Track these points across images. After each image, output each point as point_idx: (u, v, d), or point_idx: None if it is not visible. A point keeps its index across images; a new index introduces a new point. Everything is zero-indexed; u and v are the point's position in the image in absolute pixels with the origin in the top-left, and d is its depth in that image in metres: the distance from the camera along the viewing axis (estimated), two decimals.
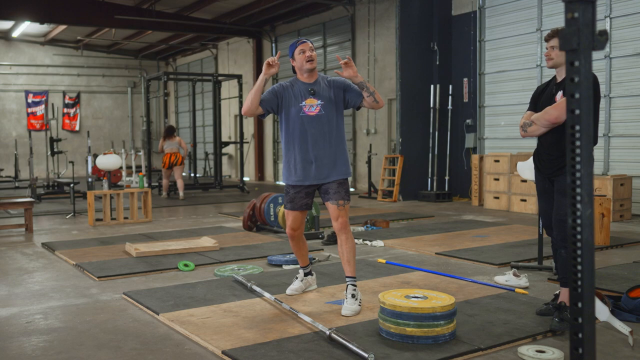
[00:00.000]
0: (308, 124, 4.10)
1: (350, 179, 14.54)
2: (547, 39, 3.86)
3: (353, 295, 4.03)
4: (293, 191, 4.23)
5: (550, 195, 3.92)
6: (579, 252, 1.49)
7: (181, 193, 12.37)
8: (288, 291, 4.49)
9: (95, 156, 13.55)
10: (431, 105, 11.67)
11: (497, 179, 10.09)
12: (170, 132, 12.64)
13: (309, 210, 4.36)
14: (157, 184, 14.10)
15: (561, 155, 3.77)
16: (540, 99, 3.93)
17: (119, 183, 14.06)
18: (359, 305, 4.03)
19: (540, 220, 4.14)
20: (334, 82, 4.22)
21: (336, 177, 4.15)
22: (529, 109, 4.01)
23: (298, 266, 5.56)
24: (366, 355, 3.05)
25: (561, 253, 3.83)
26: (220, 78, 14.90)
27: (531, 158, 5.32)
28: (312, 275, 4.64)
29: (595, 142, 3.77)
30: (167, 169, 12.57)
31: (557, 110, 3.68)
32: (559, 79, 3.85)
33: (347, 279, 4.10)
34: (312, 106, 4.11)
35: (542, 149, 3.95)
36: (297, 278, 4.59)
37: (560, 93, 3.78)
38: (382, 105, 4.25)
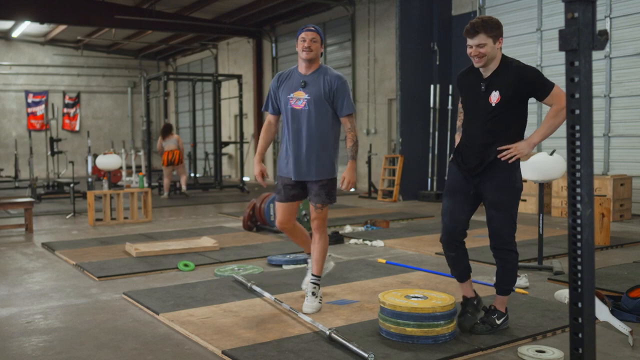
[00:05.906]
0: (293, 117, 3.98)
1: None
2: (471, 35, 3.49)
3: (314, 293, 4.01)
4: (281, 182, 4.12)
5: (468, 197, 3.49)
6: (579, 252, 1.49)
7: (184, 187, 12.65)
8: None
9: (95, 156, 13.55)
10: (431, 105, 11.67)
11: None
12: (167, 130, 12.67)
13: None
14: (157, 183, 14.11)
15: (490, 151, 3.39)
16: (470, 93, 3.59)
17: (119, 183, 14.06)
18: (319, 302, 4.01)
19: (444, 221, 3.54)
20: (332, 80, 3.94)
21: (316, 177, 3.97)
22: (461, 102, 3.68)
23: (297, 266, 5.55)
24: (366, 355, 3.05)
25: (505, 261, 3.49)
26: (220, 78, 14.89)
27: (531, 158, 5.29)
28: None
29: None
30: (167, 166, 12.61)
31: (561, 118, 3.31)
32: (486, 74, 3.50)
33: (312, 277, 4.09)
34: (299, 100, 3.95)
35: (468, 142, 3.53)
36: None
37: (496, 93, 3.39)
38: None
